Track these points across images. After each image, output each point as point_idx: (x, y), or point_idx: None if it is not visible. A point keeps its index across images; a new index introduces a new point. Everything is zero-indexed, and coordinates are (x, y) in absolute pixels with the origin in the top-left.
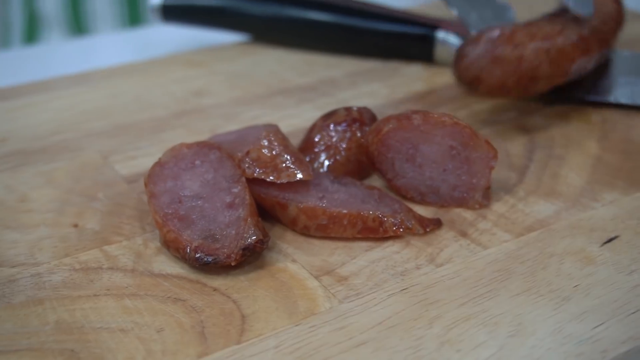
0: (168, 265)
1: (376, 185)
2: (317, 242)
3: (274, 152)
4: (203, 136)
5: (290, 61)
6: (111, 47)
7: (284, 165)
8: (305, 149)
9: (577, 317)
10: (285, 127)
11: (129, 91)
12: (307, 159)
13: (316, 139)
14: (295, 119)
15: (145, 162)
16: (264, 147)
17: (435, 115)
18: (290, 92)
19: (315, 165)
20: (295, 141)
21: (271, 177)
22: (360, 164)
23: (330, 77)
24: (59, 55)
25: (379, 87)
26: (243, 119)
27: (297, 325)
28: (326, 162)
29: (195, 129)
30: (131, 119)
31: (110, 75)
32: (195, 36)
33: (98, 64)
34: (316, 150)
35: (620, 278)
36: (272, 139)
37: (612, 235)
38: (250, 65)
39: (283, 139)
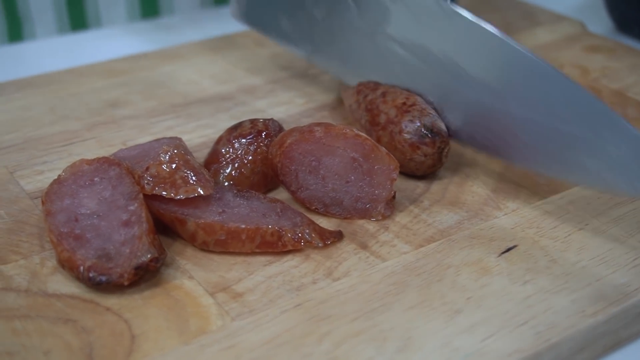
0: (63, 285)
1: (282, 197)
2: (216, 258)
3: (173, 167)
4: (114, 149)
5: (211, 69)
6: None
7: (182, 181)
8: (211, 162)
9: (466, 329)
10: (198, 137)
11: (43, 103)
12: (213, 171)
13: (222, 151)
14: (210, 129)
15: (51, 177)
16: (164, 162)
17: (337, 128)
18: (207, 101)
19: (221, 178)
20: (207, 152)
21: (166, 193)
22: (266, 176)
23: (249, 85)
24: None
25: (295, 95)
26: (156, 130)
27: (186, 345)
28: (231, 175)
29: (107, 141)
30: (42, 131)
31: (23, 87)
32: (118, 45)
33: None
34: (221, 162)
35: (514, 289)
36: (173, 153)
37: (511, 245)
38: (170, 74)
39: (184, 154)
